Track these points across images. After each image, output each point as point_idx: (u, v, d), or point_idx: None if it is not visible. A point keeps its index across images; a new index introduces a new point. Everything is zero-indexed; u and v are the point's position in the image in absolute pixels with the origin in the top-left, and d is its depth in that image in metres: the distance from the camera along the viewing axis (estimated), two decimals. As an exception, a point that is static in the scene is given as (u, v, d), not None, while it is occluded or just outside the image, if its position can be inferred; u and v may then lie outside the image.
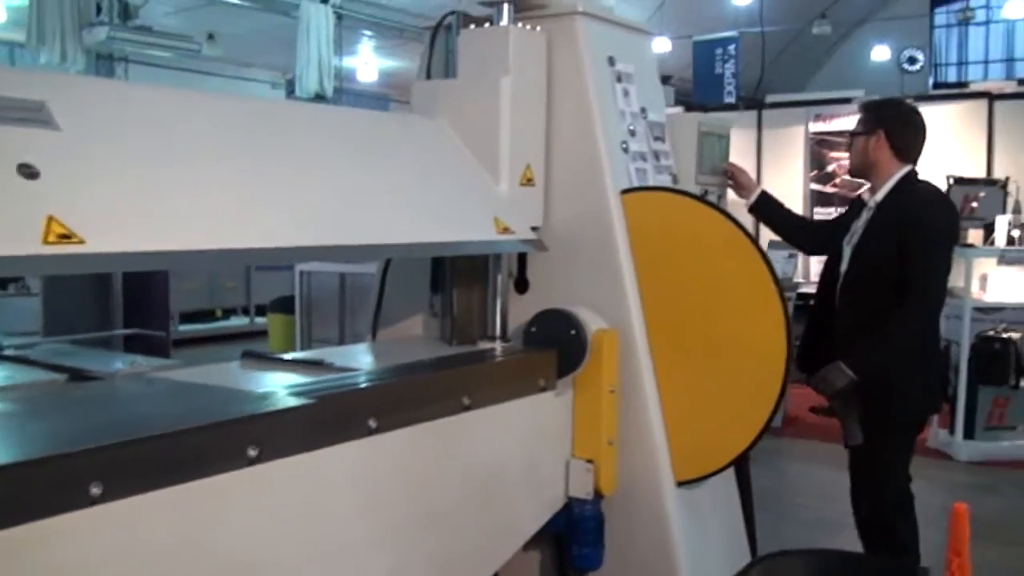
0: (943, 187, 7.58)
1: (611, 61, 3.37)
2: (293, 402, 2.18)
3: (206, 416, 2.02)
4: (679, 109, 10.07)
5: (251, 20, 14.10)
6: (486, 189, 3.01)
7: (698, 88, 15.08)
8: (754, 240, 2.97)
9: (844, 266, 3.45)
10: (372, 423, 2.34)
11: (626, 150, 3.29)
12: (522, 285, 3.26)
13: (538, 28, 3.21)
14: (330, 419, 2.24)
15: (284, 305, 8.64)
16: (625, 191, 3.15)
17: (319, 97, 13.19)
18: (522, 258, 3.22)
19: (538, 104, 3.17)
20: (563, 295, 3.13)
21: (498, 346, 3.10)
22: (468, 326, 3.15)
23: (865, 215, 3.45)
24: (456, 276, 3.22)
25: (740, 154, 10.71)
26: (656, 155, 3.45)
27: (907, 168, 3.49)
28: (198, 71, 14.26)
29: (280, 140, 2.49)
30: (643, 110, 3.43)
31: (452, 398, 2.61)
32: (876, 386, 3.26)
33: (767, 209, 3.59)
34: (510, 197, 3.03)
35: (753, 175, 10.87)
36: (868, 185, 3.61)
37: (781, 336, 2.82)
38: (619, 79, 3.32)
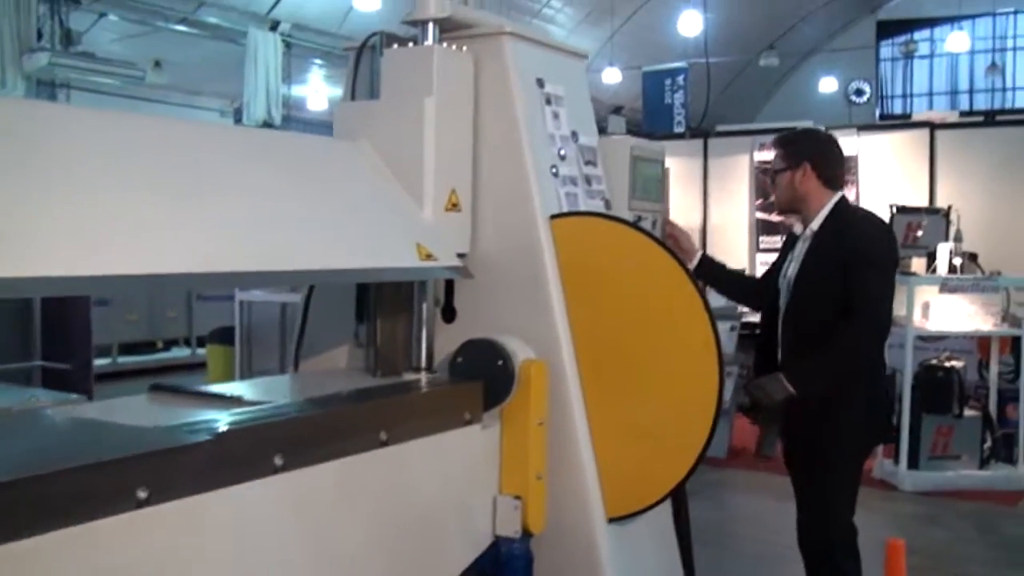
0: (886, 216, 7.57)
1: (540, 83, 3.27)
2: (189, 439, 2.03)
3: (91, 455, 1.86)
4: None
5: (199, 48, 13.97)
6: (409, 214, 2.89)
7: (648, 118, 15.21)
8: (685, 267, 2.88)
9: (784, 299, 3.40)
10: (278, 460, 2.20)
11: (556, 174, 3.17)
12: (449, 314, 3.14)
13: (464, 48, 3.11)
14: (230, 457, 2.10)
15: (223, 336, 8.45)
16: (555, 216, 3.04)
17: (267, 125, 13.08)
18: (449, 285, 3.11)
19: (464, 126, 3.06)
20: (491, 324, 3.01)
21: (423, 377, 2.97)
22: (392, 357, 3.04)
23: (802, 245, 3.42)
24: (380, 305, 3.10)
25: (687, 182, 10.71)
26: (588, 179, 3.34)
27: (837, 195, 3.47)
28: (144, 99, 14.05)
29: (195, 162, 2.39)
30: (574, 134, 3.33)
31: (368, 433, 2.48)
32: (816, 409, 3.19)
33: (709, 271, 3.57)
34: (434, 222, 2.92)
35: (699, 203, 10.96)
36: (798, 218, 3.57)
37: (713, 366, 2.73)
38: (548, 101, 3.22)
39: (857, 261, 3.15)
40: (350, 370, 3.23)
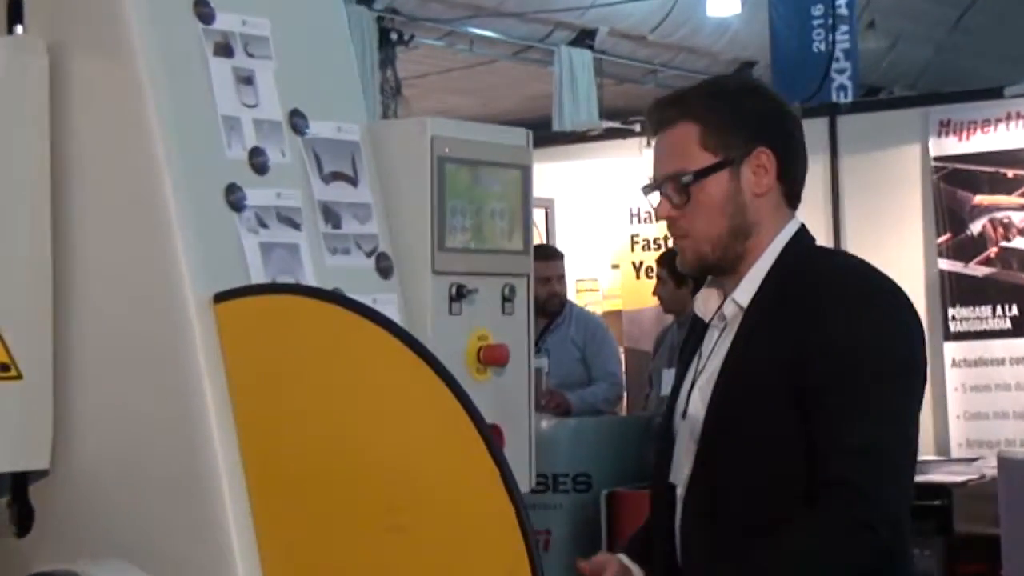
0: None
1: (205, 14, 1.89)
2: None
3: None
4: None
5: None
6: None
7: (779, 76, 9.47)
8: (443, 371, 1.89)
9: (684, 451, 1.88)
10: None
11: (239, 205, 2.07)
12: (23, 520, 2.06)
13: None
14: None
15: None
16: (222, 296, 1.99)
17: None
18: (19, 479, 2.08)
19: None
20: (96, 534, 1.97)
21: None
22: None
23: (717, 337, 1.91)
24: None
25: (808, 199, 6.35)
26: (328, 212, 2.22)
27: (794, 224, 2.04)
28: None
29: None
30: (296, 115, 2.15)
31: None
32: None
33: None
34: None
35: (829, 242, 6.32)
36: (713, 286, 2.11)
37: (501, 496, 1.75)
38: (225, 50, 2.05)
39: (837, 371, 1.85)
40: None
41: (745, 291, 1.87)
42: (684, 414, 1.91)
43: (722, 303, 1.91)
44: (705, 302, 1.96)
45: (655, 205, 1.95)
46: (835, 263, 2.01)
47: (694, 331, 2.00)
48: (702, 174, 1.84)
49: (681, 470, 1.90)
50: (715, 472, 1.83)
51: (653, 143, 1.96)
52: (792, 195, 1.97)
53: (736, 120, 1.87)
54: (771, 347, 1.81)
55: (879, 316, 1.83)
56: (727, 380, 1.84)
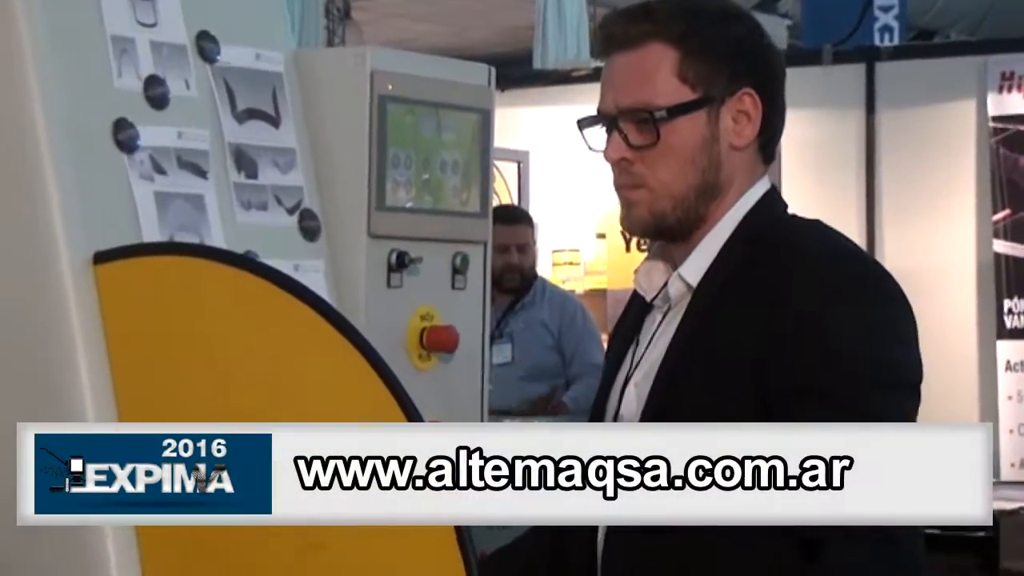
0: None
1: None
2: None
3: None
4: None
5: None
6: None
7: (809, 16, 9.69)
8: (375, 358, 1.94)
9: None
10: None
11: (130, 146, 2.16)
12: None
13: None
14: None
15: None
16: (103, 256, 2.09)
17: None
18: None
19: None
20: None
21: None
22: None
23: (660, 321, 2.03)
24: None
25: (834, 164, 6.62)
26: (241, 158, 2.30)
27: (763, 184, 2.01)
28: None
29: None
30: (205, 38, 2.28)
31: None
32: None
33: None
34: None
35: (856, 217, 6.65)
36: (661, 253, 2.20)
37: None
38: None
39: (814, 374, 1.86)
40: None
41: (695, 266, 1.88)
42: (616, 415, 1.94)
43: (668, 279, 1.92)
44: (648, 276, 1.97)
45: (604, 144, 1.93)
46: (812, 239, 1.98)
47: (630, 311, 2.03)
48: (678, 111, 1.87)
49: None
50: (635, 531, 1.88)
51: (608, 63, 1.95)
52: (768, 152, 1.99)
53: (721, 50, 1.89)
54: (728, 337, 1.85)
55: (867, 307, 1.86)
56: (669, 375, 1.87)
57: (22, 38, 1.98)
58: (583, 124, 1.99)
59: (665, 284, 1.91)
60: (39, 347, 2.00)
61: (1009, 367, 5.87)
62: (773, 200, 1.95)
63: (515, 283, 4.94)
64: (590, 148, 2.00)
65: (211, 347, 1.96)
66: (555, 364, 5.03)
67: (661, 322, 1.91)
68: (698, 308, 1.89)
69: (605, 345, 6.00)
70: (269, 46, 2.31)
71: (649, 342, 1.93)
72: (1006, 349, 5.86)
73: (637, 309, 1.99)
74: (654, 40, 1.85)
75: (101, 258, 1.96)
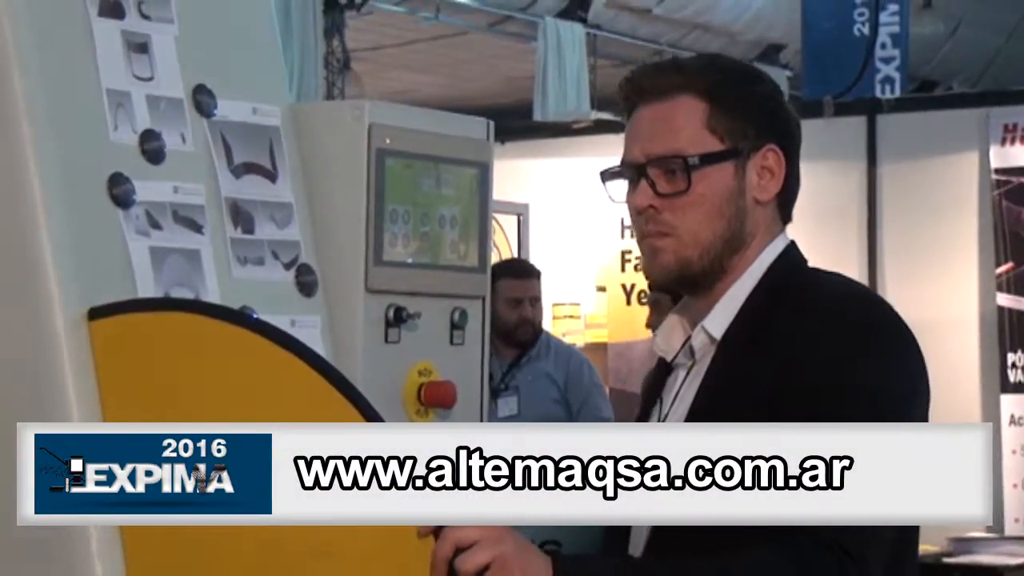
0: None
1: None
2: None
3: None
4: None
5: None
6: None
7: (811, 65, 9.62)
8: (373, 415, 1.93)
9: (646, 534, 2.02)
10: None
11: (125, 200, 2.20)
12: None
13: None
14: None
15: None
16: (98, 312, 2.12)
17: None
18: None
19: None
20: None
21: None
22: None
23: (683, 377, 2.05)
24: None
25: (837, 217, 6.53)
26: (238, 213, 2.34)
27: (784, 239, 2.10)
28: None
29: None
30: (202, 92, 2.32)
31: None
32: None
33: None
34: None
35: (862, 267, 6.71)
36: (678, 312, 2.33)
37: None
38: (114, 10, 2.22)
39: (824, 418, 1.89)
40: None
41: (719, 319, 1.92)
42: None
43: (688, 335, 1.95)
44: (667, 336, 2.01)
45: (627, 193, 1.95)
46: (830, 289, 2.04)
47: (656, 372, 2.06)
48: (709, 159, 1.91)
49: (639, 537, 1.96)
50: (677, 543, 1.89)
51: (635, 116, 1.98)
52: (786, 211, 2.05)
53: (748, 106, 1.94)
54: (749, 390, 1.87)
55: (879, 355, 1.90)
56: (705, 409, 1.91)
57: (16, 91, 2.01)
58: (606, 176, 2.02)
59: (687, 341, 1.96)
60: (33, 403, 2.00)
61: (1013, 421, 5.89)
62: (794, 254, 2.00)
63: (528, 336, 4.97)
64: (612, 200, 2.02)
65: (206, 404, 1.94)
66: (561, 417, 5.06)
67: (684, 380, 1.95)
68: (722, 362, 1.92)
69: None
70: (266, 100, 2.33)
71: (673, 400, 1.97)
72: (1010, 403, 5.89)
73: (662, 370, 2.04)
74: (684, 92, 1.90)
75: (96, 314, 1.98)
